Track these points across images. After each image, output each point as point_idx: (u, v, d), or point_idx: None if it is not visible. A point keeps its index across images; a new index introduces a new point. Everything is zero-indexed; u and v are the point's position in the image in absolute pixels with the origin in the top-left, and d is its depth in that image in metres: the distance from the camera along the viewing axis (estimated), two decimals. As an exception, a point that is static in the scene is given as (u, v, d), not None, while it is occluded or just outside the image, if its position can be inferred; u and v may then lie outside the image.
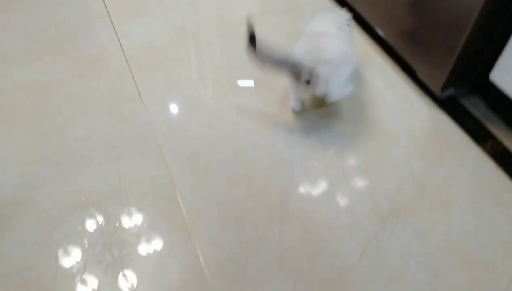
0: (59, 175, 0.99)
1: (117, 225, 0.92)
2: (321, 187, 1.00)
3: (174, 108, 1.14)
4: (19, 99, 1.14)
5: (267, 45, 0.94)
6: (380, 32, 1.30)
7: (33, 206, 0.94)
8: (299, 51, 0.99)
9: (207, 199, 0.97)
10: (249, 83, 1.21)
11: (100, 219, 0.93)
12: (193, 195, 0.97)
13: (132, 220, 0.92)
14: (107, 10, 1.41)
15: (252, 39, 0.93)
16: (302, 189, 0.99)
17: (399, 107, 1.17)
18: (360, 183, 1.01)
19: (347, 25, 1.13)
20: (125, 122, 1.10)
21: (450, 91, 1.17)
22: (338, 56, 0.99)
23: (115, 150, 1.04)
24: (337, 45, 1.02)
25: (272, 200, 0.97)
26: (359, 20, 1.35)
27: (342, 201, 0.97)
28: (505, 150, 1.09)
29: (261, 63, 0.96)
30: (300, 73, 0.96)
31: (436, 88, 1.14)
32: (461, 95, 1.20)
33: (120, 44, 1.30)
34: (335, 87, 1.03)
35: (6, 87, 1.17)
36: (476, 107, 1.18)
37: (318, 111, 1.15)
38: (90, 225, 0.92)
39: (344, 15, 1.15)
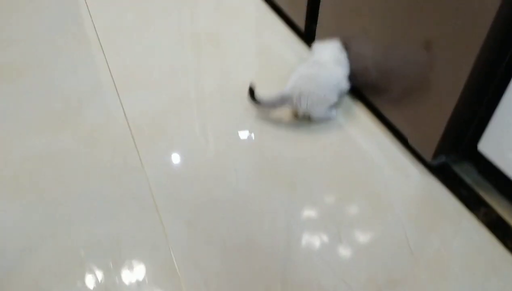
0: (60, 233, 1.02)
1: (116, 281, 0.93)
2: (319, 255, 1.01)
3: (174, 176, 1.18)
4: (26, 170, 1.18)
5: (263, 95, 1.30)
6: (371, 100, 1.37)
7: (34, 262, 0.97)
8: (293, 78, 1.30)
9: (205, 268, 0.98)
10: (251, 137, 1.30)
11: (99, 275, 0.94)
12: (190, 263, 0.98)
13: (131, 276, 0.94)
14: (113, 79, 1.49)
15: (252, 93, 1.28)
16: (299, 258, 1.00)
17: (392, 174, 1.21)
18: (357, 251, 1.02)
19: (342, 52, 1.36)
20: (126, 190, 1.13)
21: (442, 158, 1.20)
22: (323, 88, 1.27)
23: (115, 216, 1.07)
24: (326, 78, 1.29)
25: (271, 270, 0.98)
26: (352, 88, 1.42)
27: (339, 270, 0.98)
28: (498, 217, 1.11)
29: (261, 107, 1.29)
30: (291, 102, 1.28)
31: (427, 155, 1.18)
32: (453, 162, 1.24)
33: (124, 113, 1.36)
34: (318, 110, 1.30)
35: (13, 159, 1.22)
36: (468, 174, 1.21)
37: (314, 178, 1.18)
38: (89, 281, 0.94)
39: (338, 45, 1.36)
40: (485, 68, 0.98)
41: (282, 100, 1.27)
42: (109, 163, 1.20)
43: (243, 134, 1.31)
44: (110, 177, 1.17)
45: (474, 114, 1.10)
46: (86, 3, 1.90)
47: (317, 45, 1.42)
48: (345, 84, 1.35)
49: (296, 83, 1.27)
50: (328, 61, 1.32)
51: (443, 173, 1.21)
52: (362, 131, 1.33)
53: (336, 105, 1.36)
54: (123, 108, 1.37)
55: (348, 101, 1.43)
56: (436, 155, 1.17)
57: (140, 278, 0.95)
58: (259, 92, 1.30)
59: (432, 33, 1.05)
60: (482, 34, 0.92)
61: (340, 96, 1.37)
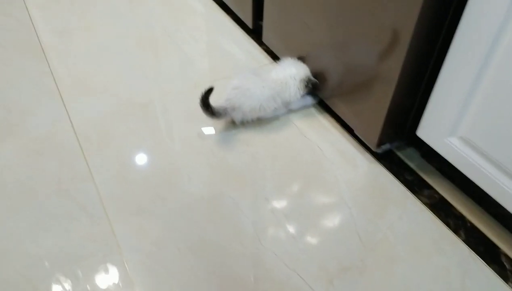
0: (4, 251, 0.98)
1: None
2: (271, 250, 1.03)
3: (124, 183, 1.16)
4: (-34, 186, 1.14)
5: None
6: (320, 95, 1.40)
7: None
8: (227, 90, 1.30)
9: (159, 274, 0.98)
10: (202, 139, 1.29)
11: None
12: (144, 271, 0.98)
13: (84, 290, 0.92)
14: (57, 87, 1.45)
15: (207, 97, 1.23)
16: (252, 254, 1.02)
17: (341, 164, 1.24)
18: (308, 243, 1.05)
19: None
20: (75, 201, 1.11)
21: (386, 146, 1.25)
22: (255, 100, 1.27)
23: (64, 229, 1.05)
24: (258, 90, 1.28)
25: (224, 267, 0.99)
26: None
27: (291, 263, 1.00)
28: (441, 198, 1.17)
29: (210, 113, 1.25)
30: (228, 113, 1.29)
31: (372, 144, 1.22)
32: (397, 148, 1.29)
33: (70, 121, 1.33)
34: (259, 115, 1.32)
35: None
36: (412, 159, 1.26)
37: (266, 174, 1.20)
38: None
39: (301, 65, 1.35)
40: (417, 58, 1.03)
41: (224, 111, 1.26)
42: (55, 174, 1.18)
43: (194, 137, 1.31)
44: (56, 188, 1.14)
45: (412, 102, 1.15)
46: (27, 9, 1.84)
47: (283, 62, 1.39)
48: (292, 97, 1.34)
49: (229, 95, 1.28)
50: (276, 77, 1.32)
51: (388, 159, 1.26)
52: (312, 126, 1.36)
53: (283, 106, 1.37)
54: (69, 116, 1.34)
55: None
56: (380, 143, 1.21)
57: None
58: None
59: (365, 26, 1.09)
60: (411, 24, 0.95)
61: (290, 103, 1.37)
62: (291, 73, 1.33)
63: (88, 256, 1.00)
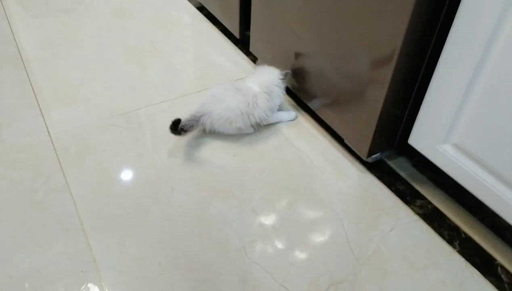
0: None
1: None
2: (259, 264, 0.97)
3: (103, 195, 1.10)
4: None
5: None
6: (309, 104, 1.36)
7: None
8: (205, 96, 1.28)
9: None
10: (187, 150, 1.24)
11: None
12: (122, 288, 0.91)
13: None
14: (36, 98, 1.39)
15: (175, 126, 1.18)
16: (238, 268, 0.96)
17: (331, 174, 1.20)
18: (298, 256, 1.00)
19: (277, 85, 1.30)
20: (50, 215, 1.04)
21: (377, 156, 1.21)
22: (228, 111, 1.23)
23: (37, 243, 0.98)
24: (232, 104, 1.24)
25: (209, 283, 0.93)
26: (290, 92, 1.41)
27: (280, 277, 0.95)
28: (434, 208, 1.13)
29: (184, 133, 1.21)
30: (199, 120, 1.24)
31: (362, 154, 1.19)
32: (388, 158, 1.25)
33: (48, 133, 1.27)
34: (223, 129, 1.27)
35: None
36: (403, 168, 1.23)
37: (253, 185, 1.15)
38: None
39: (275, 75, 1.31)
40: (407, 64, 1.00)
41: (195, 119, 1.22)
42: (30, 186, 1.11)
43: (177, 148, 1.26)
44: (30, 201, 1.07)
45: (403, 110, 1.12)
46: (8, 20, 1.79)
47: (260, 69, 1.36)
48: (263, 115, 1.27)
49: (205, 100, 1.26)
50: (252, 90, 1.27)
51: (379, 169, 1.22)
52: (301, 135, 1.32)
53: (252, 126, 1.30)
54: (47, 127, 1.28)
55: (287, 107, 1.41)
56: (371, 152, 1.18)
57: (66, 309, 0.87)
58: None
59: (355, 34, 1.06)
60: (401, 33, 0.93)
61: (258, 122, 1.29)
62: (265, 80, 1.29)
63: (62, 273, 0.93)
